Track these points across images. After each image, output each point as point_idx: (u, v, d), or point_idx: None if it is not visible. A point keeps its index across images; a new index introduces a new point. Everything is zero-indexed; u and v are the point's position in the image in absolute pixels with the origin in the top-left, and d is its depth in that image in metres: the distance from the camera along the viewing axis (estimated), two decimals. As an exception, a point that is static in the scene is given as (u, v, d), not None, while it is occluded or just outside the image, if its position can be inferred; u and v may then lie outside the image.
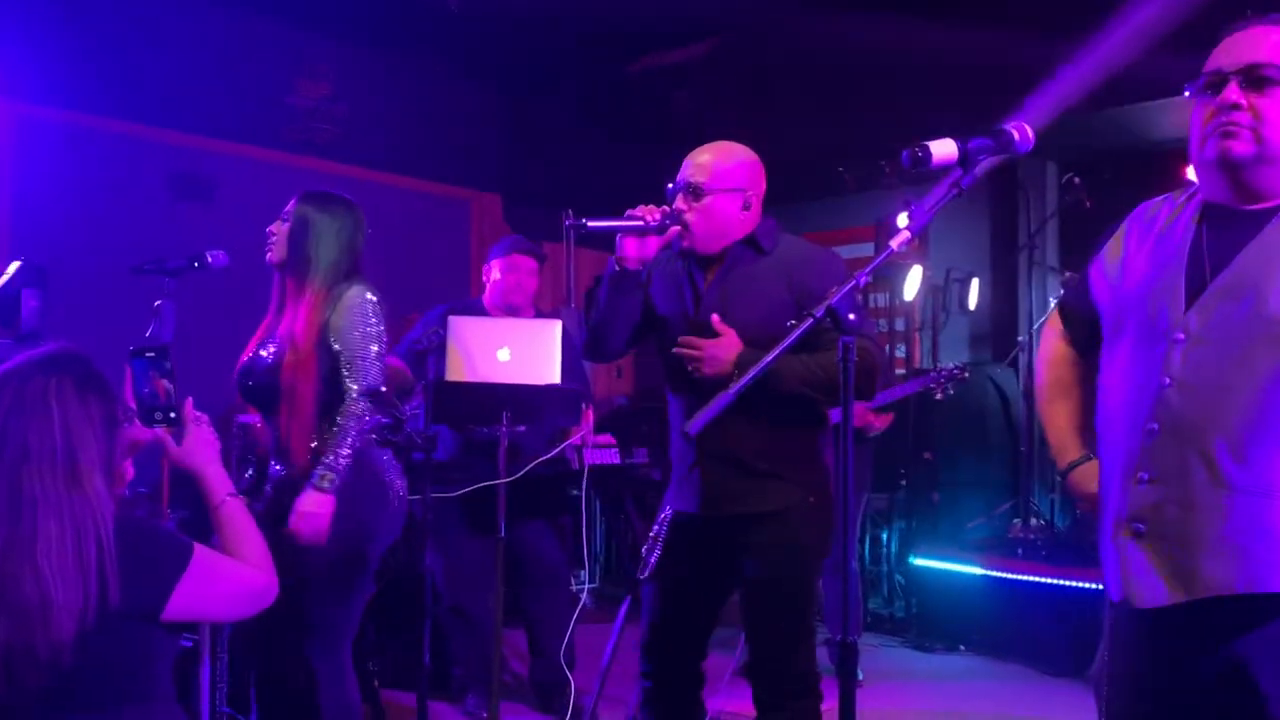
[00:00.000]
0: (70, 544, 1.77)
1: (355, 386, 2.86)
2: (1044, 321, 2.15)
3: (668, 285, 2.85)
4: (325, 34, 6.25)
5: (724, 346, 2.62)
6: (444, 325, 3.64)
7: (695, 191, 2.70)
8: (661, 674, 2.86)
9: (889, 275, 6.55)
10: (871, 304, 6.96)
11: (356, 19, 6.06)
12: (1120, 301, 1.87)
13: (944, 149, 1.86)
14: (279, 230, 2.99)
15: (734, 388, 1.74)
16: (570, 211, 2.62)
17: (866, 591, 6.20)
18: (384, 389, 2.90)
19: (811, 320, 1.75)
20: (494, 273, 4.26)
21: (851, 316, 1.78)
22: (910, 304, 6.71)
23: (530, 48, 6.51)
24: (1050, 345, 2.12)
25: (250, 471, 3.17)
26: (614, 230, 2.64)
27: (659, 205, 2.68)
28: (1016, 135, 1.93)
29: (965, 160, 1.88)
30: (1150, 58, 5.13)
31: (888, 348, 6.79)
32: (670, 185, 2.75)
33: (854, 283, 1.80)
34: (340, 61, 6.37)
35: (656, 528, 2.83)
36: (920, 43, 5.88)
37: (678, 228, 2.68)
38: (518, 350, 3.60)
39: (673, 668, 2.86)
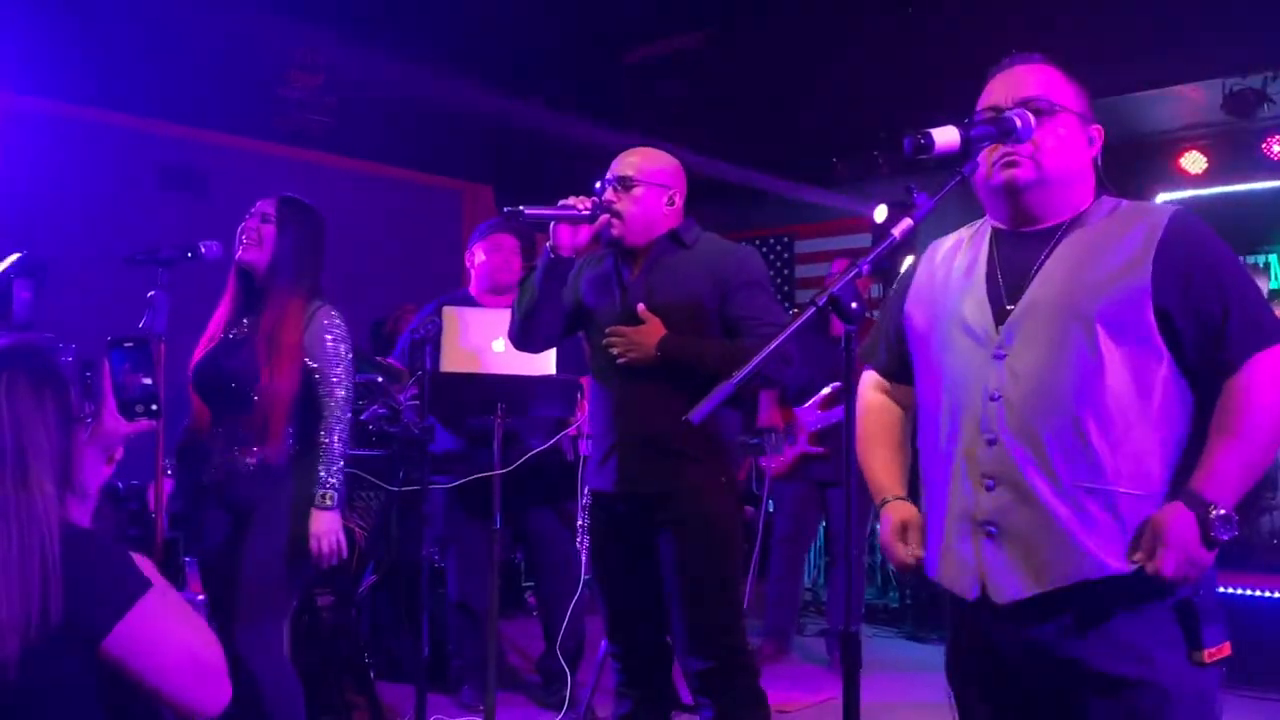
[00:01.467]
0: (15, 552, 1.64)
1: (333, 401, 3.00)
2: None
3: (597, 281, 2.99)
4: (317, 25, 6.21)
5: (647, 333, 2.78)
6: (438, 316, 3.64)
7: (625, 183, 2.86)
8: (628, 653, 2.95)
9: (884, 267, 6.52)
10: (867, 296, 6.96)
11: (348, 10, 6.03)
12: (933, 328, 2.01)
13: (946, 136, 1.84)
14: (260, 230, 3.03)
15: (735, 378, 1.74)
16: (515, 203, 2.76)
17: (861, 582, 6.21)
18: (380, 379, 2.92)
19: (813, 309, 1.74)
20: (478, 255, 4.26)
21: (854, 305, 1.76)
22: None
23: (522, 39, 6.49)
24: (868, 397, 2.23)
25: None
26: (548, 218, 2.76)
27: (587, 197, 2.82)
28: (1019, 122, 1.91)
29: (968, 148, 1.87)
30: (1141, 50, 5.15)
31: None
32: (599, 182, 2.90)
33: (856, 270, 1.78)
34: (332, 53, 6.34)
35: (581, 517, 2.94)
36: (916, 33, 5.88)
37: (607, 216, 2.81)
38: (513, 341, 3.58)
39: (636, 646, 2.95)
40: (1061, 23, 5.31)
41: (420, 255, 6.73)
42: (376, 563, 4.27)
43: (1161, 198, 6.24)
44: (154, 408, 2.05)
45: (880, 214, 6.04)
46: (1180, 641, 1.78)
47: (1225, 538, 1.71)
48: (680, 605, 2.80)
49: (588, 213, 2.77)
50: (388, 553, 4.23)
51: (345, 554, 2.99)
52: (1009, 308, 1.89)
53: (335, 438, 3.00)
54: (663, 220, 2.90)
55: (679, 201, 2.94)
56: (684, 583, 2.78)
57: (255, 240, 3.07)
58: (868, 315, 6.57)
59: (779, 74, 6.48)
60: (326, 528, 2.97)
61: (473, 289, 4.29)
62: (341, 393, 3.02)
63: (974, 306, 1.94)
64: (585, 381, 3.14)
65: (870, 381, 2.25)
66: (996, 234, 2.00)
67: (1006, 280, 1.92)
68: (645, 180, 2.87)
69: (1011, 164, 1.90)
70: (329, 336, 3.03)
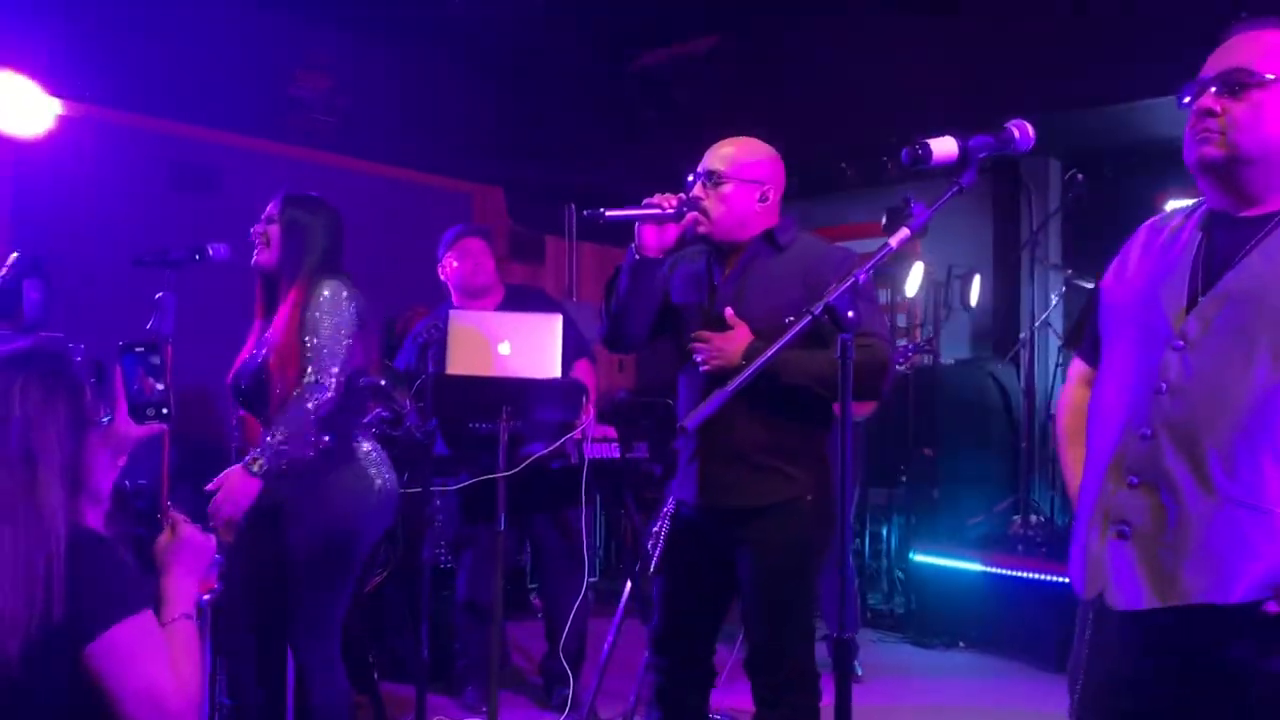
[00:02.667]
0: (21, 553, 1.66)
1: (311, 375, 2.86)
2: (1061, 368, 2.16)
3: (688, 278, 2.88)
4: (327, 25, 6.23)
5: (733, 340, 2.65)
6: (445, 319, 3.66)
7: (714, 179, 2.73)
8: (673, 669, 2.86)
9: (891, 272, 6.54)
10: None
11: (359, 10, 6.05)
12: (1122, 307, 1.89)
13: (944, 147, 1.85)
14: (266, 232, 3.04)
15: (731, 385, 1.74)
16: (573, 206, 2.66)
17: (866, 587, 6.20)
18: (383, 382, 2.92)
19: (809, 318, 1.75)
20: (451, 263, 4.29)
21: (850, 314, 1.77)
22: (912, 300, 6.70)
23: (533, 40, 6.51)
24: (1070, 392, 2.10)
25: None
26: (632, 219, 2.66)
27: (673, 194, 2.70)
28: (1017, 134, 1.93)
29: (965, 158, 1.88)
30: (1154, 54, 5.13)
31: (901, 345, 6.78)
32: (690, 176, 2.78)
33: (853, 280, 1.80)
34: (342, 53, 6.36)
35: (660, 521, 2.86)
36: (926, 37, 5.88)
37: (695, 214, 2.71)
38: (518, 344, 3.60)
39: (683, 662, 2.86)
40: (1080, 29, 5.29)
41: (430, 258, 6.72)
42: (383, 563, 4.29)
43: (1171, 204, 6.24)
44: (164, 411, 2.08)
45: (890, 218, 6.04)
46: None
47: None
48: (752, 622, 2.75)
49: (673, 211, 2.65)
50: (394, 553, 4.26)
51: (230, 527, 2.80)
52: (1202, 297, 1.76)
53: (307, 405, 2.83)
54: (755, 218, 2.77)
55: (774, 197, 2.80)
56: (758, 601, 2.73)
57: (264, 243, 3.09)
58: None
59: (789, 79, 6.48)
60: (236, 491, 2.77)
61: (454, 299, 4.31)
62: (319, 368, 2.86)
63: (1166, 290, 1.80)
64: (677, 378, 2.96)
65: (1075, 376, 2.11)
66: (1210, 216, 1.84)
67: (1209, 267, 1.78)
68: (736, 176, 2.74)
69: (1202, 140, 1.77)
70: (327, 310, 2.92)
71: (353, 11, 6.07)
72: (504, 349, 3.59)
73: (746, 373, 1.75)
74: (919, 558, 5.77)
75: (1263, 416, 1.65)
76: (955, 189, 1.89)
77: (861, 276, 1.82)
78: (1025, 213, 6.57)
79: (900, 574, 6.13)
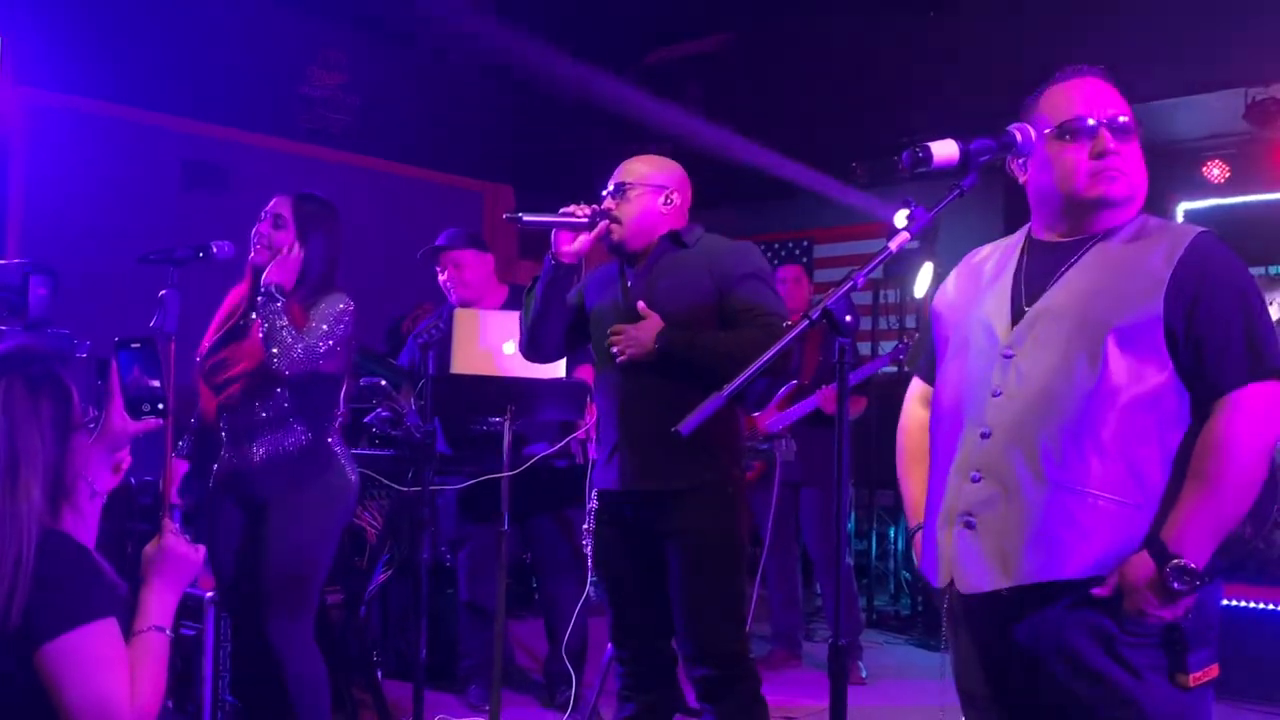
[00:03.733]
0: None
1: (275, 361, 2.95)
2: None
3: (601, 284, 3.02)
4: (339, 24, 6.25)
5: (645, 329, 2.79)
6: (448, 318, 3.66)
7: (621, 189, 2.90)
8: (633, 657, 2.94)
9: (900, 272, 6.52)
10: (881, 300, 6.94)
11: (371, 9, 6.07)
12: (954, 326, 2.07)
13: (945, 150, 1.85)
14: (271, 234, 3.05)
15: (726, 390, 1.74)
16: (516, 210, 2.76)
17: (873, 589, 6.19)
18: (382, 383, 2.94)
19: (807, 323, 1.75)
20: (439, 274, 4.29)
21: (848, 318, 1.76)
22: (920, 301, 6.67)
23: (544, 38, 6.51)
24: (909, 411, 2.25)
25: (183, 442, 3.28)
26: (548, 226, 2.81)
27: (587, 205, 2.84)
28: (1019, 136, 1.92)
29: (967, 162, 1.87)
30: (1163, 58, 5.12)
31: (896, 344, 6.75)
32: (604, 192, 2.93)
33: (851, 283, 1.78)
34: (354, 52, 6.38)
35: (588, 520, 2.93)
36: (937, 38, 5.86)
37: (606, 223, 2.84)
38: (523, 343, 3.59)
39: (641, 650, 2.94)
40: (1086, 30, 5.28)
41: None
42: (387, 561, 4.29)
43: (1184, 206, 6.21)
44: (160, 407, 2.08)
45: (900, 219, 6.01)
46: (1163, 663, 1.80)
47: (1181, 588, 1.74)
48: (684, 614, 2.80)
49: (586, 220, 2.80)
50: (398, 552, 4.26)
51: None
52: (1025, 310, 1.93)
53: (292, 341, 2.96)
54: (661, 221, 2.92)
55: (678, 201, 2.94)
56: (688, 592, 2.79)
57: (267, 245, 3.10)
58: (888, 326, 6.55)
59: (799, 78, 6.47)
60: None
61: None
62: (282, 354, 2.95)
63: (994, 307, 1.99)
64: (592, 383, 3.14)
65: (914, 394, 2.27)
66: (1030, 242, 2.04)
67: (1029, 284, 1.96)
68: (640, 183, 2.90)
69: (1111, 179, 1.92)
70: (322, 317, 3.03)
71: (365, 10, 6.08)
72: (508, 348, 3.59)
73: (743, 377, 1.75)
74: (926, 559, 5.75)
75: (1084, 414, 1.82)
76: (956, 192, 1.88)
77: (860, 279, 1.81)
78: (1035, 213, 6.54)
79: (907, 575, 6.11)
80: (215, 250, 3.06)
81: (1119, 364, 1.82)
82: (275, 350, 2.94)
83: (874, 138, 6.47)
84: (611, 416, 2.89)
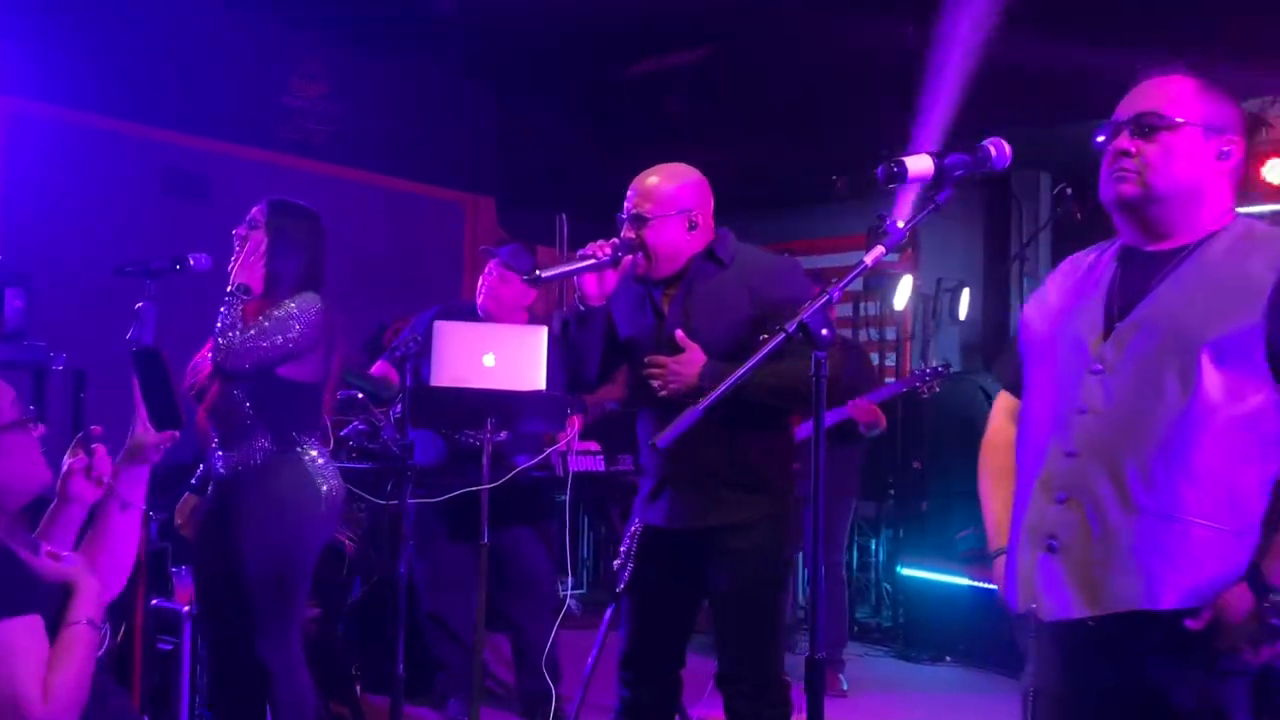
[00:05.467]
0: None
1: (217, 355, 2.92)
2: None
3: (630, 308, 2.89)
4: (320, 34, 6.24)
5: (687, 363, 2.66)
6: (426, 330, 3.64)
7: (640, 221, 2.74)
8: (640, 683, 2.89)
9: (880, 285, 6.56)
10: (862, 312, 6.97)
11: (352, 19, 6.06)
12: (1043, 335, 1.99)
13: (920, 165, 1.86)
14: (246, 234, 3.04)
15: (702, 404, 1.74)
16: (564, 216, 2.69)
17: (854, 600, 6.19)
18: (359, 396, 2.93)
19: (783, 335, 1.75)
20: (483, 275, 4.24)
21: (825, 331, 1.77)
22: (901, 313, 6.71)
23: (525, 50, 6.52)
24: (995, 428, 2.19)
25: (201, 467, 3.23)
26: (570, 274, 2.70)
27: (605, 241, 2.73)
28: (994, 151, 1.93)
29: (941, 176, 1.88)
30: (1144, 70, 5.14)
31: (877, 356, 6.78)
32: (619, 214, 2.79)
33: (827, 297, 1.79)
34: (335, 62, 6.37)
35: (627, 542, 2.88)
36: (918, 51, 5.88)
37: (630, 257, 2.73)
38: (503, 356, 3.59)
39: (651, 677, 2.89)
40: (1068, 44, 5.30)
41: (421, 267, 6.75)
42: (365, 575, 4.27)
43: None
44: (178, 417, 2.17)
45: (877, 233, 6.05)
46: (1250, 706, 1.73)
47: None
48: (726, 634, 2.78)
49: (609, 258, 2.68)
50: (376, 565, 4.24)
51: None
52: (1117, 325, 1.86)
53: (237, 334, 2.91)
54: (687, 245, 2.78)
55: (703, 220, 2.80)
56: (732, 613, 2.76)
57: (240, 246, 3.07)
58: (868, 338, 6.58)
59: (781, 90, 6.49)
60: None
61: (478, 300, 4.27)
62: (224, 350, 2.92)
63: (1085, 319, 1.92)
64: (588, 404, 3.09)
65: (1000, 408, 2.19)
66: (1124, 251, 1.96)
67: (1123, 297, 1.89)
68: (660, 212, 2.74)
69: (1119, 179, 1.88)
70: (282, 315, 2.96)
71: (346, 20, 6.07)
72: (489, 360, 3.59)
73: (715, 393, 1.75)
74: (907, 571, 5.76)
75: (1174, 436, 1.74)
76: (931, 207, 1.89)
77: (836, 293, 1.82)
78: (1015, 226, 6.59)
79: (888, 588, 6.13)
80: (192, 262, 3.04)
81: (1214, 381, 1.74)
82: (219, 345, 2.90)
83: (855, 151, 6.50)
84: (655, 451, 2.77)
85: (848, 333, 6.72)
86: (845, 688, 4.83)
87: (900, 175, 1.85)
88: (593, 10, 5.92)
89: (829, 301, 1.78)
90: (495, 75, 6.97)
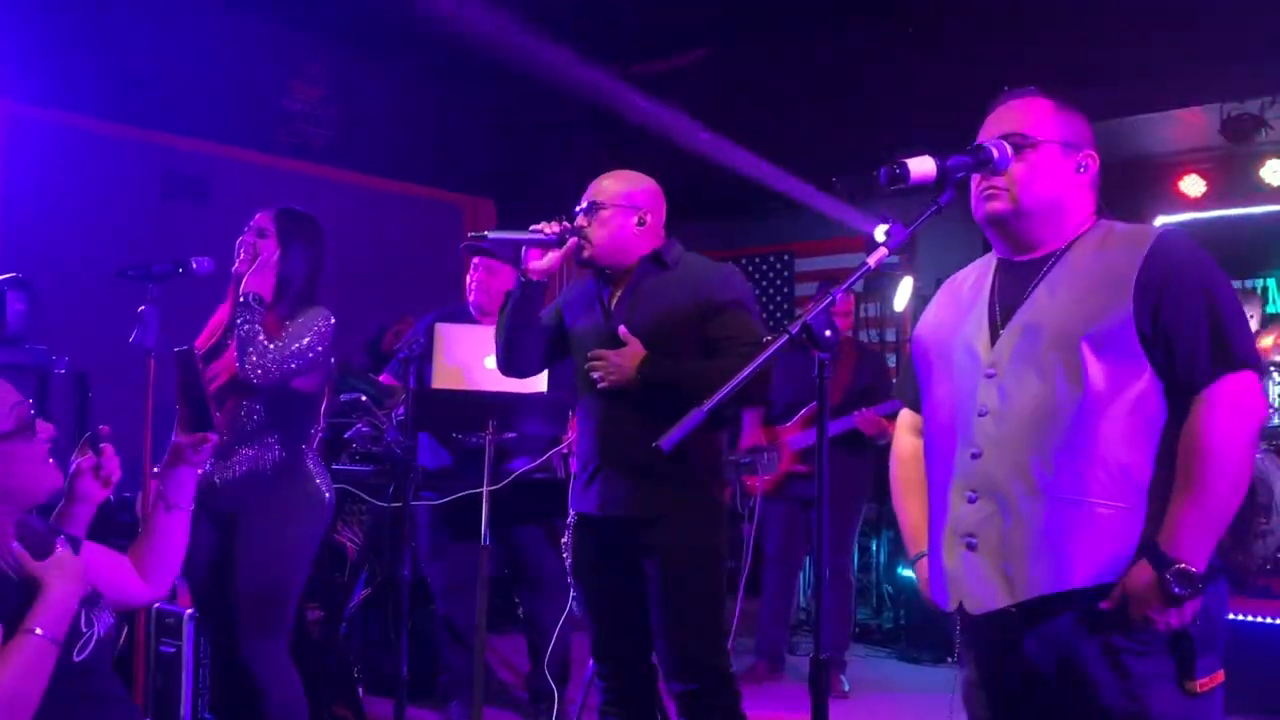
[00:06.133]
0: None
1: (246, 369, 2.93)
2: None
3: (582, 305, 3.00)
4: (319, 37, 6.25)
5: (627, 356, 2.77)
6: (428, 333, 3.65)
7: (594, 208, 2.87)
8: (614, 672, 2.95)
9: (880, 286, 6.55)
10: (862, 313, 6.96)
11: (351, 23, 6.06)
12: (938, 349, 2.10)
13: (922, 166, 1.86)
14: (255, 243, 3.04)
15: (705, 406, 1.75)
16: (564, 218, 2.79)
17: (855, 602, 6.19)
18: (363, 399, 2.93)
19: (786, 337, 1.75)
20: (470, 273, 4.26)
21: (828, 333, 1.77)
22: (901, 314, 6.71)
23: (523, 52, 6.52)
24: (901, 442, 2.28)
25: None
26: (515, 243, 2.79)
27: (556, 222, 2.82)
28: (995, 153, 1.94)
29: (944, 178, 1.88)
30: (1140, 73, 5.17)
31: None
32: (577, 208, 2.90)
33: (830, 299, 1.79)
34: (334, 65, 6.38)
35: (566, 536, 2.96)
36: (916, 53, 5.89)
37: (576, 240, 2.82)
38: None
39: (622, 665, 2.95)
40: (1062, 45, 5.32)
41: (421, 269, 6.75)
42: (367, 577, 4.27)
43: (1160, 220, 6.26)
44: (207, 418, 2.25)
45: (880, 233, 6.03)
46: (1171, 671, 1.82)
47: (1183, 593, 1.76)
48: (664, 630, 2.80)
49: (554, 236, 2.78)
50: (379, 568, 4.24)
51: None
52: (1001, 331, 1.97)
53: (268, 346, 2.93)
54: (635, 241, 2.89)
55: (652, 221, 2.92)
56: (667, 609, 2.79)
57: (250, 254, 3.09)
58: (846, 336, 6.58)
59: (780, 92, 6.49)
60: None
61: (469, 302, 4.27)
62: (250, 360, 2.93)
63: (973, 330, 2.03)
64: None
65: (904, 423, 2.29)
66: (1000, 263, 2.08)
67: (1003, 305, 2.00)
68: (613, 203, 2.87)
69: (990, 197, 1.98)
70: (303, 326, 3.01)
71: (345, 23, 6.08)
72: (490, 363, 3.58)
73: (721, 393, 1.75)
74: (907, 573, 5.75)
75: (1071, 426, 1.85)
76: (933, 208, 1.89)
77: (839, 294, 1.83)
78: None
79: (889, 589, 6.12)
80: (194, 265, 3.05)
81: (1097, 371, 1.84)
82: (247, 358, 2.91)
83: (854, 152, 6.50)
84: (591, 440, 2.89)
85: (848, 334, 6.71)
86: (846, 689, 4.84)
87: (902, 177, 1.85)
88: (592, 13, 5.93)
89: (832, 303, 1.78)
90: (493, 76, 6.96)
